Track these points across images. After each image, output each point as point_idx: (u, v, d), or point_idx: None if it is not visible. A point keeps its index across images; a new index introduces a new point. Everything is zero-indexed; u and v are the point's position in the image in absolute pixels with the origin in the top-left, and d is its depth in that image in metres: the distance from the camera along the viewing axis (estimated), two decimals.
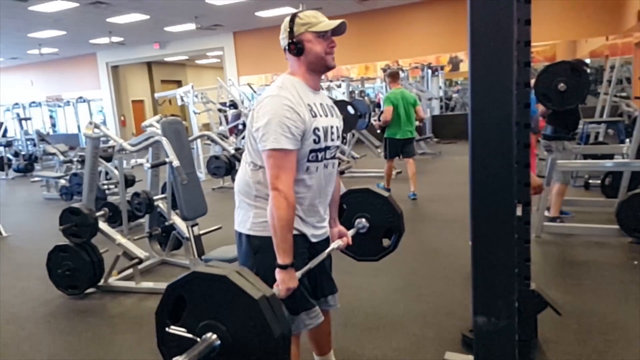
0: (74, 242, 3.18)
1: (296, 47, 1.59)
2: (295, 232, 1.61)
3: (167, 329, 1.19)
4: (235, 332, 1.13)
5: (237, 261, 1.74)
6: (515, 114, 0.98)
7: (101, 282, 3.35)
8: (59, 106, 16.15)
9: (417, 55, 11.98)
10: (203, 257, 3.28)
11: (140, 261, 3.30)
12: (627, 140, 4.32)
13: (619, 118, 6.70)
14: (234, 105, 8.42)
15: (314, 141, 1.58)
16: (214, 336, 1.13)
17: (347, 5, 11.47)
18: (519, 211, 2.01)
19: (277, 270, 1.54)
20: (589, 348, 2.27)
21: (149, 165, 3.01)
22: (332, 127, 1.67)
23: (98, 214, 3.32)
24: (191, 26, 11.84)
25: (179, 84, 17.21)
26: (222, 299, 1.13)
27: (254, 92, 11.49)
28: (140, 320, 2.91)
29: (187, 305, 1.18)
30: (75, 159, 6.79)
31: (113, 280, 3.41)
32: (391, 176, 5.76)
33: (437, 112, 12.09)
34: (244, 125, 7.60)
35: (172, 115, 14.10)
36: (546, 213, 4.16)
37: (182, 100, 8.56)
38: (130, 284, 3.36)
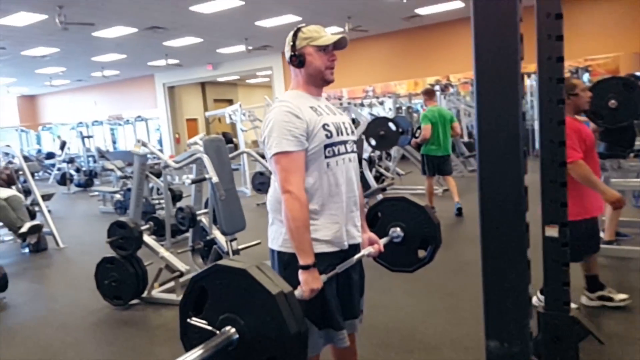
0: (120, 255, 3.37)
1: (298, 60, 1.65)
2: (327, 249, 1.63)
3: (188, 320, 1.20)
4: (253, 327, 1.13)
5: None
6: (522, 135, 0.97)
7: (144, 294, 3.51)
8: (120, 124, 17.22)
9: (469, 70, 11.75)
10: None
11: (181, 274, 3.43)
12: None
13: None
14: None
15: (326, 136, 1.61)
16: (233, 330, 1.14)
17: (394, 23, 11.55)
18: (555, 232, 1.94)
19: (300, 272, 1.54)
20: None
21: (189, 181, 3.15)
22: (343, 122, 1.71)
23: (143, 227, 3.50)
24: (242, 48, 12.32)
25: (230, 102, 17.85)
26: (241, 293, 1.14)
27: None
28: (178, 333, 3.01)
29: (209, 297, 1.20)
30: (130, 175, 7.19)
31: (155, 293, 3.56)
32: (433, 194, 5.70)
33: None
34: None
35: (223, 132, 14.64)
36: (602, 234, 3.93)
37: (231, 118, 8.89)
38: (172, 297, 3.49)
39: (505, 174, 0.98)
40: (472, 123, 10.43)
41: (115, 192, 7.65)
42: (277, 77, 14.54)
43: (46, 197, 8.14)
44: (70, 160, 11.80)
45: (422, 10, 10.65)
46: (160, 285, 3.53)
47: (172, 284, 3.55)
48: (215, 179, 2.97)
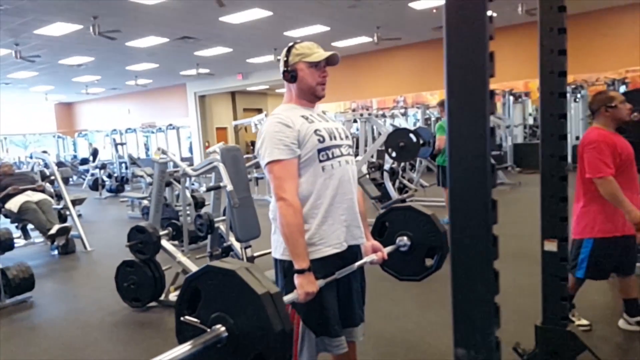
0: (139, 258, 3.55)
1: (290, 75, 1.73)
2: (326, 252, 1.68)
3: (182, 318, 1.29)
4: (241, 326, 1.21)
5: None
6: (489, 150, 1.03)
7: (162, 297, 3.67)
8: (152, 132, 17.83)
9: (504, 81, 11.61)
10: None
11: None
12: None
13: None
14: None
15: (319, 140, 1.69)
16: (223, 328, 1.22)
17: (423, 33, 11.58)
18: (554, 247, 1.96)
19: (295, 276, 1.59)
20: None
21: (204, 188, 3.30)
22: (336, 128, 1.79)
23: (162, 233, 3.68)
24: (271, 57, 12.61)
25: (260, 111, 18.22)
26: (231, 293, 1.22)
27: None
28: None
29: (201, 297, 1.28)
30: None
31: (172, 296, 3.72)
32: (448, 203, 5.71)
33: (520, 140, 11.59)
34: None
35: (251, 142, 14.89)
36: None
37: (257, 127, 9.11)
38: None
39: (473, 189, 1.04)
40: (500, 135, 10.31)
41: (143, 198, 7.94)
42: None
43: (77, 202, 8.54)
44: (103, 167, 12.31)
45: None
46: (176, 289, 3.68)
47: None
48: (229, 187, 3.11)
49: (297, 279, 1.59)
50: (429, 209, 2.14)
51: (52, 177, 6.30)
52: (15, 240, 5.39)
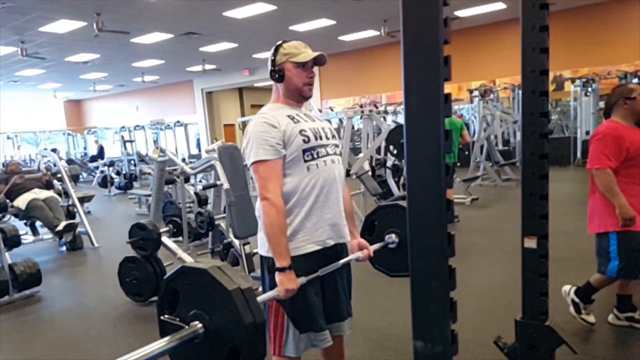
0: (141, 255, 3.68)
1: (277, 75, 1.79)
2: (311, 247, 1.75)
3: (161, 317, 1.39)
4: (217, 321, 1.31)
5: None
6: (444, 152, 1.10)
7: None
8: (161, 129, 18.05)
9: (517, 74, 11.53)
10: (252, 273, 3.59)
11: None
12: None
13: None
14: None
15: (304, 141, 1.73)
16: (200, 325, 1.32)
17: None
18: (533, 244, 2.04)
19: (276, 273, 1.65)
20: None
21: (200, 186, 3.41)
22: (322, 128, 1.84)
23: (162, 230, 3.80)
24: None
25: None
26: (205, 291, 1.31)
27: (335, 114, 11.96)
28: None
29: (179, 297, 1.38)
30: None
31: None
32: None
33: None
34: None
35: None
36: None
37: None
38: None
39: (428, 189, 1.12)
40: (508, 130, 10.28)
41: (149, 195, 8.09)
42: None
43: (86, 199, 8.75)
44: (111, 164, 12.53)
45: (462, 13, 10.63)
46: None
47: None
48: (226, 185, 3.22)
49: (277, 277, 1.65)
50: None
51: (59, 175, 6.47)
52: (24, 237, 5.61)
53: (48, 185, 5.90)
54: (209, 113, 17.84)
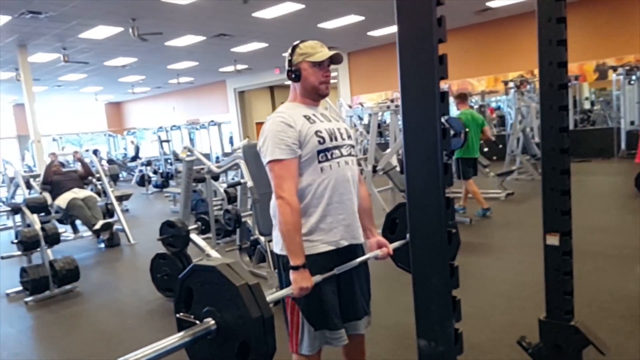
0: (170, 251, 3.78)
1: (294, 74, 1.80)
2: (324, 247, 1.75)
3: (177, 315, 1.43)
4: (227, 318, 1.32)
5: None
6: (441, 151, 1.08)
7: None
8: (196, 129, 18.46)
9: None
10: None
11: None
12: None
13: None
14: None
15: (319, 142, 1.74)
16: (212, 321, 1.33)
17: (464, 17, 11.32)
18: (556, 241, 1.97)
19: (290, 272, 1.66)
20: None
21: (225, 185, 3.47)
22: (338, 129, 1.83)
23: (192, 227, 3.90)
24: None
25: None
26: (216, 288, 1.33)
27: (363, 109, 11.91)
28: None
29: (193, 295, 1.39)
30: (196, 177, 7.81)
31: None
32: (479, 193, 5.91)
33: (570, 126, 11.12)
34: None
35: None
36: None
37: None
38: None
39: (427, 188, 1.10)
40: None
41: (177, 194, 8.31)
42: (343, 77, 14.80)
43: (124, 197, 9.05)
44: (148, 163, 12.92)
45: (494, 3, 10.36)
46: None
47: None
48: (249, 184, 3.26)
49: (292, 275, 1.66)
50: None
51: (98, 175, 6.72)
52: (65, 235, 5.88)
53: (85, 175, 6.17)
54: (241, 112, 18.11)
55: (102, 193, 6.75)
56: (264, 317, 1.28)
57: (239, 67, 14.59)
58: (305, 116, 1.77)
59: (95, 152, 14.25)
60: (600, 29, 10.38)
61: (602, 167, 9.00)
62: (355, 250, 1.87)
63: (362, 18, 10.39)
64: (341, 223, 1.79)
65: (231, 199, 5.74)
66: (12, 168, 6.23)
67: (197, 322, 1.37)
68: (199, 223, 4.12)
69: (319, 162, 1.75)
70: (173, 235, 3.76)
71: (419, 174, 1.12)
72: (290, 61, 1.81)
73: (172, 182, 12.31)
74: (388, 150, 5.69)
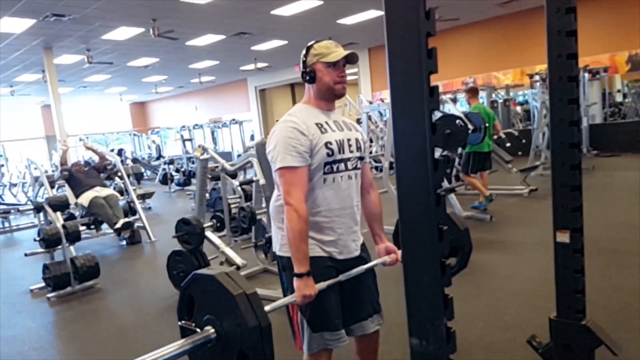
0: (186, 248, 3.85)
1: (308, 76, 1.78)
2: (319, 252, 1.76)
3: (179, 323, 1.46)
4: (226, 326, 1.35)
5: None
6: (431, 147, 1.06)
7: None
8: (218, 127, 18.69)
9: (585, 56, 10.83)
10: None
11: (238, 268, 3.81)
12: None
13: None
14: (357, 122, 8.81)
15: (327, 154, 1.72)
16: (212, 330, 1.37)
17: (487, 10, 11.11)
18: (566, 238, 1.92)
19: (294, 279, 1.66)
20: None
21: (237, 182, 3.50)
22: (349, 139, 1.80)
23: (207, 224, 3.95)
24: None
25: None
26: (216, 297, 1.35)
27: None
28: None
29: (195, 302, 1.43)
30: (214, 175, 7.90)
31: None
32: (484, 184, 5.97)
33: (598, 120, 10.81)
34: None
35: None
36: None
37: None
38: None
39: (417, 184, 1.09)
40: None
41: None
42: (364, 74, 14.74)
43: (147, 196, 9.26)
44: (170, 162, 13.15)
45: None
46: None
47: None
48: (262, 181, 3.29)
49: (295, 282, 1.66)
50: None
51: (120, 174, 6.89)
52: (87, 232, 6.05)
53: (102, 166, 6.36)
54: (262, 110, 18.25)
55: (125, 191, 6.92)
56: (261, 326, 1.30)
57: (260, 65, 14.69)
58: (317, 124, 1.75)
59: (120, 151, 14.62)
60: (633, 18, 10.02)
61: (632, 162, 8.72)
62: (353, 260, 1.86)
63: (382, 13, 10.29)
64: (338, 238, 1.80)
65: (248, 197, 5.80)
66: (37, 168, 6.43)
67: (198, 330, 1.40)
68: (214, 220, 4.17)
69: (324, 173, 1.75)
70: (188, 232, 3.82)
71: (408, 170, 1.11)
72: (304, 62, 1.78)
73: (194, 181, 12.48)
74: None
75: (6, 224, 8.30)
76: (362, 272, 1.82)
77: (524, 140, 8.06)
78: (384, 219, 2.02)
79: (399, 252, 1.91)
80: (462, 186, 6.13)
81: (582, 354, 1.88)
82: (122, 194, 6.80)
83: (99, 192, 5.94)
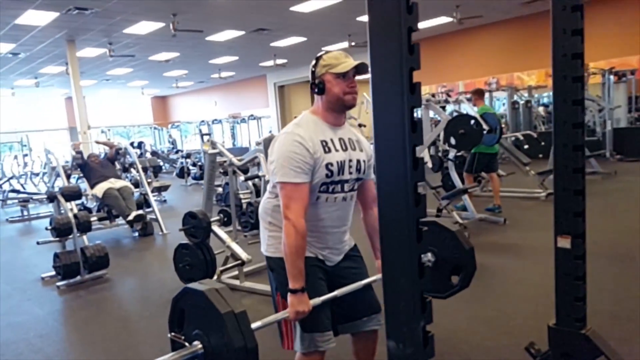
0: (192, 242, 3.88)
1: (317, 87, 1.74)
2: (309, 254, 1.76)
3: (168, 335, 1.47)
4: (214, 343, 1.34)
5: None
6: (410, 146, 1.03)
7: (214, 278, 3.98)
8: (237, 123, 18.82)
9: (612, 57, 10.54)
10: None
11: (243, 263, 3.83)
12: None
13: None
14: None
15: (326, 175, 1.72)
16: (200, 345, 1.37)
17: (511, 9, 10.91)
18: (567, 244, 1.86)
19: (288, 295, 1.67)
20: None
21: (242, 178, 3.51)
22: (350, 160, 1.78)
23: (213, 219, 3.97)
24: (345, 44, 12.66)
25: None
26: (205, 313, 1.35)
27: None
28: None
29: (185, 315, 1.43)
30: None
31: (224, 278, 4.02)
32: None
33: (623, 124, 10.51)
34: None
35: None
36: None
37: None
38: (236, 282, 3.92)
39: (396, 183, 1.06)
40: (594, 120, 9.45)
41: (218, 186, 8.50)
42: None
43: (163, 188, 9.37)
44: (188, 156, 13.29)
45: None
46: (223, 271, 3.97)
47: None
48: (267, 177, 3.27)
49: (289, 298, 1.67)
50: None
51: (135, 167, 6.99)
52: (102, 223, 6.16)
53: (115, 156, 6.46)
54: (281, 106, 18.28)
55: (140, 184, 7.02)
56: (247, 347, 1.29)
57: (279, 61, 14.71)
58: (322, 141, 1.72)
59: (140, 144, 14.83)
60: None
61: None
62: (340, 263, 1.89)
63: None
64: (326, 247, 1.82)
65: (258, 192, 5.81)
66: (54, 158, 6.57)
67: (187, 344, 1.40)
68: (221, 215, 4.19)
69: (319, 191, 1.75)
70: (194, 226, 3.85)
71: (387, 169, 1.08)
72: (313, 73, 1.76)
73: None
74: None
75: (25, 213, 8.51)
76: (351, 266, 1.83)
77: (543, 143, 7.88)
78: None
79: None
80: (476, 188, 6.03)
81: None
82: (137, 187, 6.89)
83: (113, 183, 6.03)
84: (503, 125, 6.26)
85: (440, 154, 6.82)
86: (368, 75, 1.14)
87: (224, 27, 10.41)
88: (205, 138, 4.34)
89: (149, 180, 8.18)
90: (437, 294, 2.08)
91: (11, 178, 11.33)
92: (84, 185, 7.01)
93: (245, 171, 6.43)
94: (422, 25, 11.72)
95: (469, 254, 2.03)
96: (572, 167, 1.81)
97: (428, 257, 2.03)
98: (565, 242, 1.85)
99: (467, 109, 5.71)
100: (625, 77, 10.43)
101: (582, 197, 1.82)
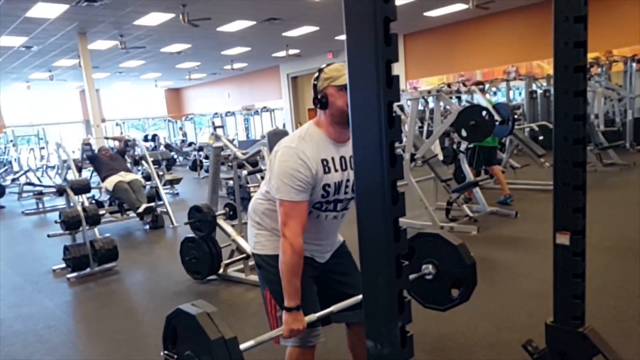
0: (198, 235, 3.92)
1: (320, 101, 1.71)
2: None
3: (161, 353, 1.47)
4: None
5: None
6: (386, 141, 1.02)
7: (220, 271, 4.02)
8: (250, 115, 18.86)
9: (636, 44, 10.26)
10: None
11: (248, 256, 3.86)
12: None
13: None
14: None
15: (322, 195, 1.72)
16: None
17: None
18: (566, 240, 1.83)
19: (283, 312, 1.67)
20: None
21: (246, 172, 3.53)
22: (347, 181, 1.77)
23: (218, 212, 4.01)
24: None
25: None
26: (195, 335, 1.35)
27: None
28: (238, 308, 3.45)
29: (178, 335, 1.44)
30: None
31: (230, 271, 4.06)
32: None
33: None
34: None
35: None
36: None
37: None
38: (241, 275, 3.96)
39: (373, 179, 1.05)
40: (614, 109, 9.23)
41: (228, 179, 8.56)
42: (399, 61, 14.48)
43: (175, 181, 9.46)
44: (200, 149, 13.39)
45: None
46: (227, 265, 4.01)
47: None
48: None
49: (284, 316, 1.67)
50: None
51: (152, 159, 7.06)
52: (113, 215, 6.26)
53: (125, 149, 6.54)
54: (294, 98, 18.27)
55: (152, 177, 7.10)
56: None
57: (292, 52, 14.67)
58: (324, 161, 1.70)
59: (154, 137, 14.98)
60: None
61: None
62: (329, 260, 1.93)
63: None
64: (309, 252, 1.82)
65: None
66: (64, 152, 6.68)
67: None
68: (227, 209, 4.23)
69: (313, 207, 1.76)
70: (200, 219, 3.89)
71: (364, 165, 1.07)
72: (315, 87, 1.73)
73: (222, 168, 12.66)
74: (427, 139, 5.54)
75: (40, 205, 8.69)
76: (339, 257, 1.89)
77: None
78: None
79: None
80: (489, 181, 5.96)
81: None
82: (148, 180, 6.98)
83: (123, 176, 6.12)
84: (519, 116, 6.13)
85: (454, 146, 6.75)
86: None
87: (234, 17, 10.42)
88: (209, 131, 4.34)
89: (161, 173, 8.27)
90: (437, 306, 2.09)
91: (28, 171, 11.57)
92: (96, 178, 7.13)
93: (254, 164, 6.47)
94: (437, 12, 11.56)
95: (471, 269, 2.01)
96: (572, 161, 1.78)
97: (429, 269, 2.03)
98: (564, 239, 1.82)
99: (480, 99, 5.62)
100: None
101: (582, 192, 1.78)
